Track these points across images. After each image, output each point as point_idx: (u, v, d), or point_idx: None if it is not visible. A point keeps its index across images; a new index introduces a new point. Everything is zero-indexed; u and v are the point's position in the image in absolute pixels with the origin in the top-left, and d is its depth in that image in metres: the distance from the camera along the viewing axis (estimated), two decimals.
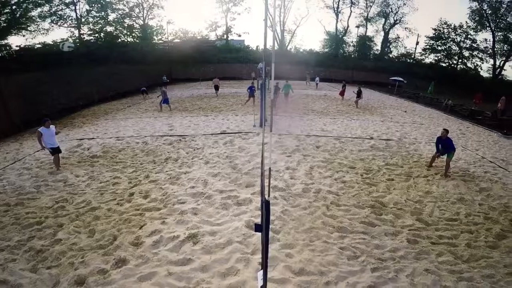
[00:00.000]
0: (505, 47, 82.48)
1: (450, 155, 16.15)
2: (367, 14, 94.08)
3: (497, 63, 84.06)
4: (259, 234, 5.15)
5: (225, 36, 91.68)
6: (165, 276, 7.92)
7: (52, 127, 15.96)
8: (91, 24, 67.08)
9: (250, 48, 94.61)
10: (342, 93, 43.94)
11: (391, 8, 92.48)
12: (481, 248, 9.81)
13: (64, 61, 44.19)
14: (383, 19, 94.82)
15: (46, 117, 15.90)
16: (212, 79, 47.16)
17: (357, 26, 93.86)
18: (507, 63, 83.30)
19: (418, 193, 13.60)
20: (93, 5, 66.07)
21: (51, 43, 56.05)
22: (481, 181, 15.50)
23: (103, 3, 67.21)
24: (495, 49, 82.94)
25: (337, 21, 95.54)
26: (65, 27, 62.78)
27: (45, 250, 9.10)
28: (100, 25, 67.95)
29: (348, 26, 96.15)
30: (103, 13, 68.10)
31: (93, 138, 21.39)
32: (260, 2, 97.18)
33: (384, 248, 9.48)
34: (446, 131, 16.41)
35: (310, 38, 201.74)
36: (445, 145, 16.18)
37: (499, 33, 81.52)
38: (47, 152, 16.32)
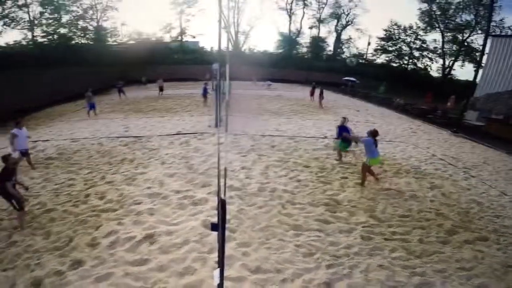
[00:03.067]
0: (454, 47, 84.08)
1: (341, 146, 17.30)
2: (320, 16, 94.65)
3: (447, 63, 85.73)
4: (215, 233, 5.14)
5: (179, 37, 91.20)
6: (122, 277, 7.85)
7: (24, 128, 15.75)
8: (44, 26, 65.88)
9: (205, 49, 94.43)
10: (312, 93, 44.10)
11: (343, 10, 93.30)
12: (433, 243, 9.99)
13: (17, 63, 43.37)
14: (336, 20, 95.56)
15: (18, 118, 15.55)
16: (157, 80, 46.88)
17: (310, 27, 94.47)
18: (456, 63, 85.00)
19: (371, 191, 13.76)
20: (46, 7, 64.95)
21: (4, 45, 54.98)
22: (432, 178, 15.79)
23: (56, 5, 66.10)
24: (444, 49, 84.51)
25: (290, 23, 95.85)
26: (18, 29, 61.50)
27: (0, 252, 8.94)
28: (54, 27, 66.76)
29: (301, 27, 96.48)
30: (56, 15, 66.98)
31: (47, 140, 21.02)
32: (214, 4, 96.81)
33: (338, 245, 9.55)
34: (344, 118, 17.58)
35: (264, 39, 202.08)
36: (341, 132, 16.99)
37: (448, 34, 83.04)
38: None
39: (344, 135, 16.45)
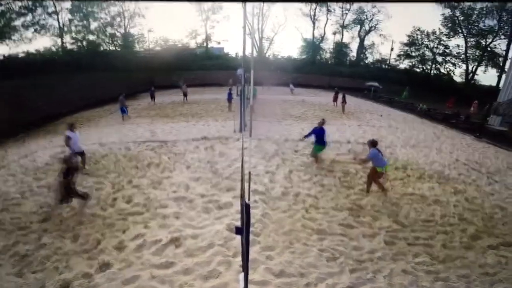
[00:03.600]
0: (477, 53, 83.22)
1: (316, 148, 16.95)
2: (343, 22, 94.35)
3: (470, 68, 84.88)
4: (240, 237, 5.13)
5: (205, 43, 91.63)
6: (149, 279, 7.91)
7: (77, 131, 16.15)
8: (73, 33, 66.95)
9: (230, 55, 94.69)
10: (335, 99, 43.45)
11: (366, 15, 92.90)
12: (457, 248, 9.90)
13: (47, 69, 43.93)
14: (359, 26, 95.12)
15: (72, 123, 15.94)
16: (182, 86, 46.98)
17: (334, 33, 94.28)
18: (479, 68, 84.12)
19: (394, 196, 13.66)
20: (75, 14, 65.91)
21: (34, 52, 55.70)
22: (455, 183, 15.63)
23: (85, 12, 67.07)
24: (468, 54, 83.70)
25: (314, 29, 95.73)
26: (48, 36, 62.41)
27: (30, 254, 9.05)
28: (83, 34, 67.89)
29: (324, 33, 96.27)
30: (85, 22, 67.95)
31: None
32: (239, 10, 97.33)
33: (362, 250, 9.51)
34: (323, 120, 17.17)
35: (288, 45, 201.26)
36: (318, 135, 16.72)
37: (471, 39, 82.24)
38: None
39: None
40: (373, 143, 13.52)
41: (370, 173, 13.75)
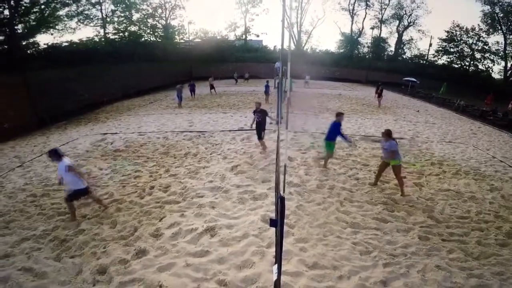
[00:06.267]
0: None
1: (330, 147, 15.16)
2: (382, 16, 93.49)
3: (508, 65, 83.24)
4: (274, 228, 5.08)
5: (243, 36, 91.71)
6: (183, 267, 7.93)
7: (65, 160, 10.17)
8: (115, 24, 67.75)
9: (268, 48, 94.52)
10: (380, 95, 40.24)
11: (405, 11, 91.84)
12: (491, 245, 9.69)
13: (89, 59, 44.45)
14: (397, 21, 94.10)
15: (53, 149, 10.55)
16: (235, 78, 46.70)
17: (372, 28, 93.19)
18: None
19: (429, 191, 13.48)
20: (118, 5, 66.69)
21: (77, 41, 56.41)
22: (491, 180, 15.34)
23: (128, 3, 67.78)
24: (507, 51, 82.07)
25: (352, 23, 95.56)
26: (91, 26, 63.35)
27: (69, 239, 9.22)
28: (125, 25, 68.54)
29: (363, 28, 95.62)
30: (127, 13, 68.64)
31: (116, 133, 21.53)
32: (277, 4, 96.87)
33: (396, 244, 9.39)
34: (340, 114, 15.18)
35: (326, 39, 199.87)
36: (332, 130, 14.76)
37: (511, 36, 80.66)
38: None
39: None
40: (389, 134, 12.68)
41: (398, 169, 13.24)
